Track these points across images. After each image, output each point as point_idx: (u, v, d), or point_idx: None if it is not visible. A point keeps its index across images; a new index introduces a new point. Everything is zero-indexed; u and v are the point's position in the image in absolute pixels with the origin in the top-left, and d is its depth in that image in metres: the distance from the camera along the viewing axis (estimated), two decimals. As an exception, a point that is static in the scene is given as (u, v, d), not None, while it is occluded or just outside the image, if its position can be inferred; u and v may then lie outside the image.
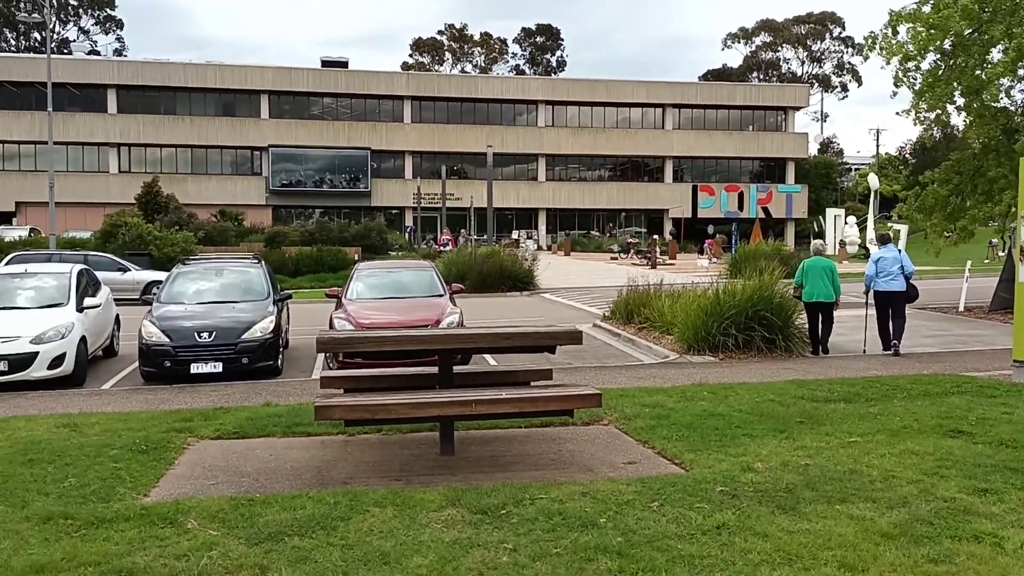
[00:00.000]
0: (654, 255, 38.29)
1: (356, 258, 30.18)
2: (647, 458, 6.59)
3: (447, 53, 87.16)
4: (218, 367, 11.00)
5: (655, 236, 48.57)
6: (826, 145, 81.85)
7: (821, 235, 46.32)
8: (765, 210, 60.09)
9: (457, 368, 7.26)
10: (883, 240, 13.44)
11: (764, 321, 12.51)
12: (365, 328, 10.63)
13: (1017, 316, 9.50)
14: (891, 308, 12.70)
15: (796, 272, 13.15)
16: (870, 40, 17.26)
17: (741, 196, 60.96)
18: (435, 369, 6.85)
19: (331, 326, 11.48)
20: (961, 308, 17.96)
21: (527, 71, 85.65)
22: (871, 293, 12.87)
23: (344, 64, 60.97)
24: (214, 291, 12.60)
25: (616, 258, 43.89)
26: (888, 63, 16.64)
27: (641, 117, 62.47)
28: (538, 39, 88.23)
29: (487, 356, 11.85)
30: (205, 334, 11.13)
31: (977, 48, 15.56)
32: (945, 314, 17.60)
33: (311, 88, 57.64)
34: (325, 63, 60.66)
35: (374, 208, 57.43)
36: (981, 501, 5.21)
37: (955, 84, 15.82)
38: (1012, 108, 16.55)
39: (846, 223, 46.06)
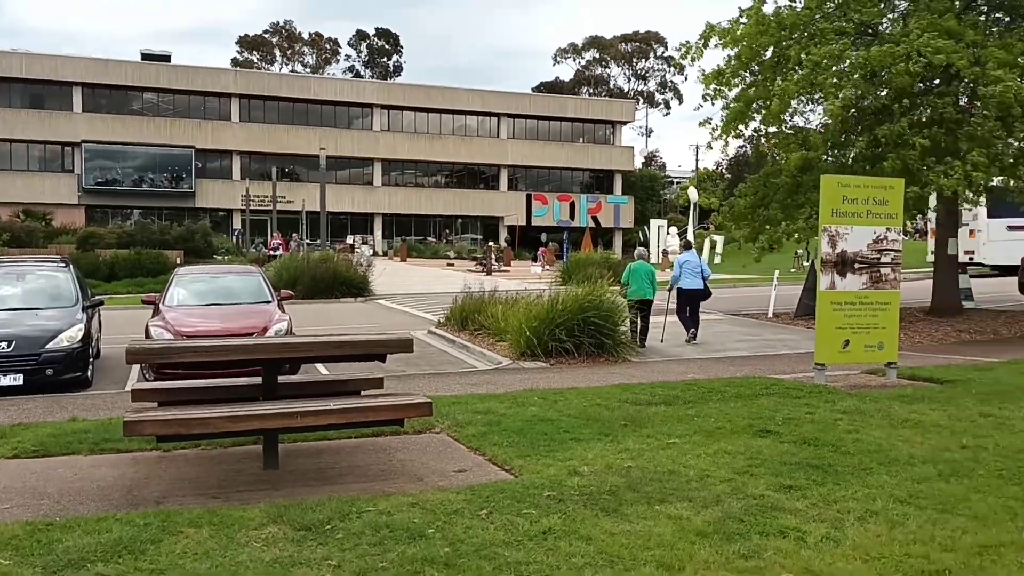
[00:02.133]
0: (489, 262, 38.74)
1: (178, 262, 28.71)
2: (478, 465, 6.60)
3: (276, 51, 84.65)
4: (18, 379, 10.12)
5: (491, 243, 49.14)
6: (650, 159, 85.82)
7: (646, 244, 48.45)
8: (595, 219, 62.26)
9: (283, 378, 7.00)
10: (687, 247, 16.42)
11: (593, 327, 12.93)
12: (185, 337, 10.09)
13: (818, 322, 10.25)
14: (692, 303, 14.97)
15: (623, 274, 14.83)
16: (684, 49, 18.19)
17: (573, 205, 62.86)
18: (260, 380, 6.57)
19: (147, 335, 10.80)
20: (770, 314, 19.24)
21: (364, 74, 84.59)
22: (675, 291, 15.06)
23: (166, 58, 57.84)
24: (15, 297, 11.60)
25: (452, 264, 44.07)
26: (699, 58, 17.69)
27: (477, 125, 63.08)
28: (376, 42, 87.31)
29: (319, 365, 11.54)
30: (3, 344, 10.21)
31: (780, 71, 16.78)
32: (756, 320, 18.79)
33: (130, 82, 54.26)
34: (145, 56, 57.32)
35: (199, 210, 54.80)
36: (787, 497, 5.54)
37: (756, 106, 16.99)
38: (809, 127, 17.94)
39: (668, 234, 48.35)
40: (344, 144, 57.72)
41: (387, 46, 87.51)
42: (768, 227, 17.95)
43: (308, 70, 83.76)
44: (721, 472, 6.10)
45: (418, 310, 21.73)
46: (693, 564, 4.43)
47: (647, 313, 14.33)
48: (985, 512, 5.20)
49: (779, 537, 4.82)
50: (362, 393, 6.81)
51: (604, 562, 4.46)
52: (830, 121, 16.35)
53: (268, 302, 12.40)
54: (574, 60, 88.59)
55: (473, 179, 63.86)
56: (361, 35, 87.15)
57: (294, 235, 47.16)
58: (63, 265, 12.74)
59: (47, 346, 10.40)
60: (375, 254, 49.51)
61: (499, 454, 6.77)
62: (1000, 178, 16.36)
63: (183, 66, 56.85)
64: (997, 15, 16.54)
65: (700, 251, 47.50)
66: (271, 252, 38.58)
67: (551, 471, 6.18)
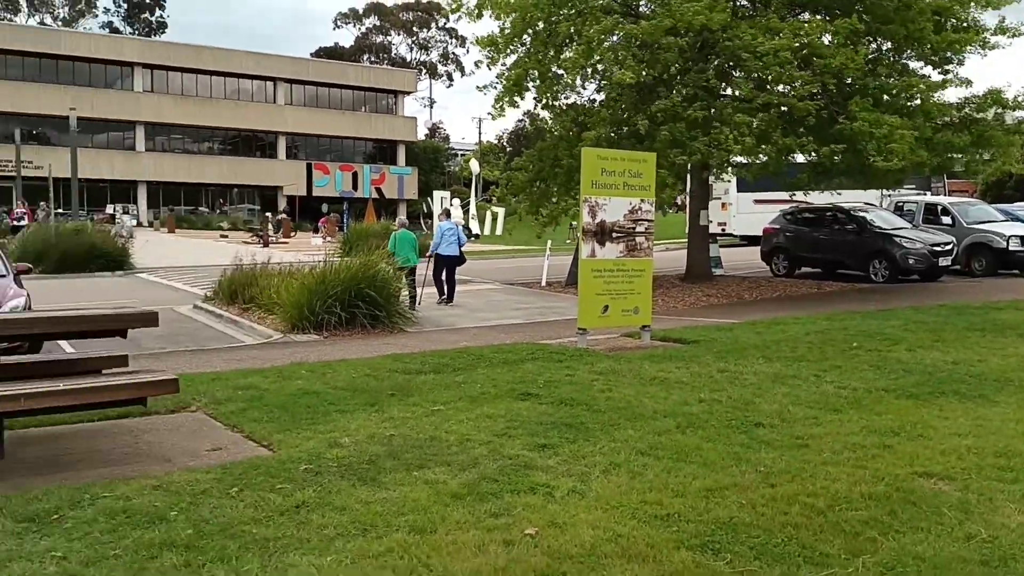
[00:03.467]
0: (266, 233, 37.32)
1: (-101, 233, 25.30)
2: (234, 443, 6.33)
3: (22, 2, 76.25)
4: None
5: (268, 214, 47.33)
6: (434, 130, 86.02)
7: (431, 216, 48.63)
8: (378, 190, 61.65)
9: (14, 358, 6.34)
10: (447, 215, 18.02)
11: (368, 298, 12.80)
12: None
13: (580, 289, 10.73)
14: (447, 269, 16.04)
15: (388, 242, 15.66)
16: (456, 4, 18.14)
17: (355, 176, 61.82)
18: (-20, 361, 5.90)
19: None
20: (543, 283, 19.96)
21: (124, 30, 78.15)
22: (434, 257, 16.14)
23: None
24: None
25: (226, 236, 42.02)
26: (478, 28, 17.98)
27: (253, 89, 60.30)
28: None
29: (64, 344, 10.58)
30: None
31: (552, 44, 17.29)
32: (530, 289, 19.43)
33: None
34: None
35: (-72, 175, 48.58)
36: (540, 456, 5.76)
37: (531, 80, 17.45)
38: (581, 103, 18.63)
39: (452, 205, 48.78)
40: (102, 105, 53.18)
41: (149, 1, 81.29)
42: (546, 201, 18.55)
43: (59, 23, 76.18)
44: (481, 435, 6.23)
45: (184, 284, 20.55)
46: (445, 526, 4.49)
47: (413, 279, 15.12)
48: (714, 459, 5.67)
49: (529, 494, 4.99)
50: (104, 372, 6.31)
51: (356, 531, 4.43)
52: (608, 95, 16.96)
53: (2, 276, 11.18)
54: (355, 26, 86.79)
55: (249, 146, 61.13)
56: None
57: (42, 204, 42.91)
58: None
59: None
60: (139, 225, 46.28)
61: (258, 430, 6.53)
62: (745, 158, 17.81)
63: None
64: (742, 2, 17.90)
65: (482, 223, 48.51)
66: (14, 222, 34.90)
67: (311, 444, 6.05)
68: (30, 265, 12.94)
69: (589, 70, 17.41)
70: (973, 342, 10.19)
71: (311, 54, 79.05)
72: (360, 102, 64.64)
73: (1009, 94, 16.59)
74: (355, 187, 60.75)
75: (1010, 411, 6.87)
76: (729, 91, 16.68)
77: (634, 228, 10.75)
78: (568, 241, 38.22)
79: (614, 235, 10.61)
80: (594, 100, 18.83)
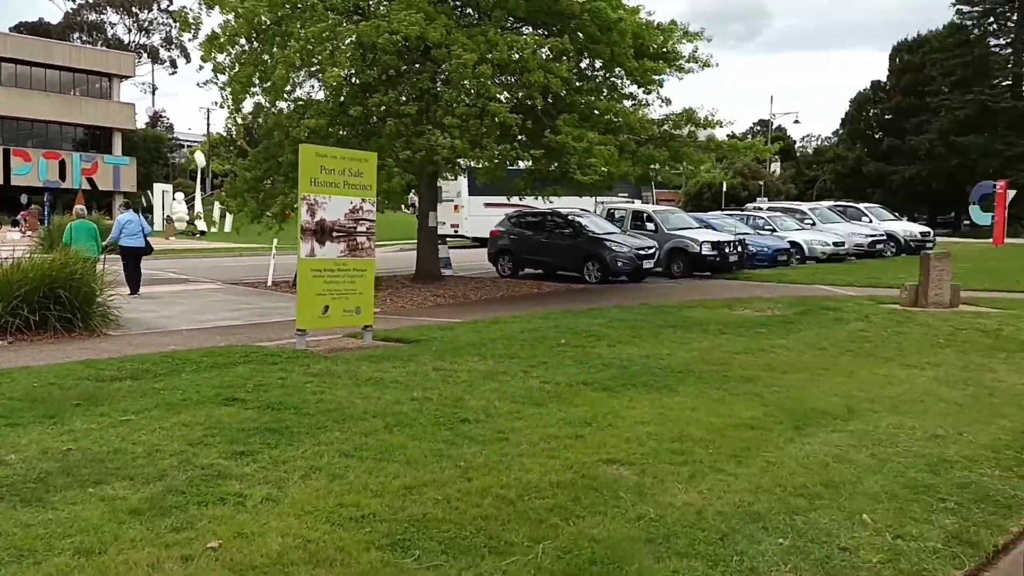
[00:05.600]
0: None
1: None
2: None
3: None
4: None
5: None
6: (156, 118, 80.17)
7: (150, 210, 45.39)
8: (90, 181, 56.31)
9: None
10: (128, 207, 18.20)
11: (64, 298, 11.63)
12: None
13: (299, 289, 10.45)
14: (135, 260, 16.34)
15: (64, 233, 15.30)
16: (182, 18, 17.32)
17: (63, 164, 56.00)
18: None
19: None
20: (269, 283, 19.26)
21: None
22: (120, 251, 16.22)
23: None
24: None
25: None
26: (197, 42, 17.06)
27: (-66, 63, 52.74)
28: None
29: None
30: None
31: (277, 41, 16.75)
32: (255, 289, 18.68)
33: None
34: None
35: None
36: (236, 464, 5.49)
37: (256, 76, 16.82)
38: (303, 101, 18.17)
39: (174, 199, 45.78)
40: None
41: None
42: (274, 200, 17.86)
43: None
44: (173, 445, 5.84)
45: None
46: (118, 545, 4.15)
47: (94, 268, 13.97)
48: (417, 456, 5.72)
49: (219, 505, 4.74)
50: None
51: (11, 558, 3.97)
52: (329, 92, 16.79)
53: None
54: (65, 0, 78.72)
55: (-70, 127, 53.36)
56: None
57: None
58: None
59: None
60: None
61: (-100, 451, 5.66)
62: (471, 162, 18.35)
63: None
64: (468, 10, 18.42)
65: (210, 219, 45.98)
66: None
67: (-33, 464, 5.34)
68: None
69: (313, 67, 17.04)
70: (665, 337, 11.18)
71: (10, 28, 70.64)
72: (69, 84, 58.65)
73: (701, 114, 18.47)
74: (63, 177, 55.05)
75: (688, 399, 7.59)
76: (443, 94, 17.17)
77: (355, 228, 10.64)
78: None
79: (335, 234, 10.44)
80: (326, 97, 18.49)
